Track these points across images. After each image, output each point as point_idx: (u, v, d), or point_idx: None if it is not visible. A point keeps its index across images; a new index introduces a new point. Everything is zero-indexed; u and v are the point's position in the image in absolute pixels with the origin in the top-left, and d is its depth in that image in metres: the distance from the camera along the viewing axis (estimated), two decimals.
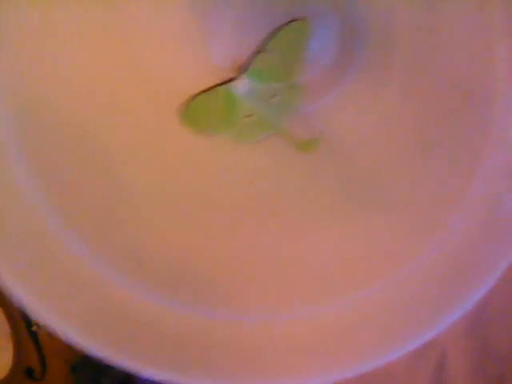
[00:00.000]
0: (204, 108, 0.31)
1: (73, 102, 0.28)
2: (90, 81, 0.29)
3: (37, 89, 0.27)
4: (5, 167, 0.25)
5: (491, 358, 0.40)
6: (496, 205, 0.25)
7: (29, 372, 0.35)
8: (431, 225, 0.27)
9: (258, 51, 0.31)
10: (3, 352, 0.36)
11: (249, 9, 0.31)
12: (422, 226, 0.27)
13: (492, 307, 0.40)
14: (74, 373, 0.33)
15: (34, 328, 0.34)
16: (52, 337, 0.34)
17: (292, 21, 0.30)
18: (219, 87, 0.31)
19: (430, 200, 0.28)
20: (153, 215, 0.29)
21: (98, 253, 0.27)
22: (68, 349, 0.34)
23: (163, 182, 0.30)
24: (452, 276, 0.26)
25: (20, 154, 0.26)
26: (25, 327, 0.35)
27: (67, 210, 0.27)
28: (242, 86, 0.31)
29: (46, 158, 0.27)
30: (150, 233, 0.28)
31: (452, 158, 0.28)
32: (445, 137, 0.28)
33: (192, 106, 0.31)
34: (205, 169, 0.31)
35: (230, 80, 0.31)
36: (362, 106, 0.31)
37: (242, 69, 0.31)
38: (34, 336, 0.35)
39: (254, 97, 0.32)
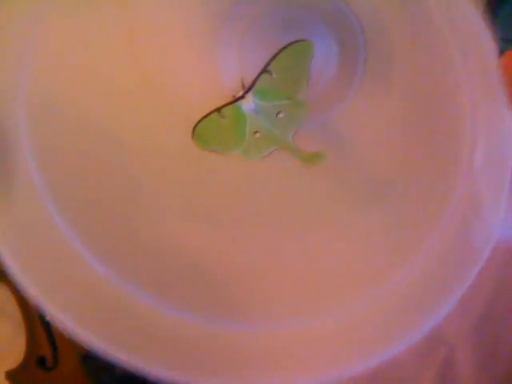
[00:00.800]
0: (213, 128, 0.33)
1: (86, 106, 0.29)
2: (106, 85, 0.30)
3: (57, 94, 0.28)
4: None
5: (500, 355, 0.40)
6: (464, 231, 0.27)
7: (41, 361, 0.36)
8: (409, 245, 0.28)
9: (263, 71, 0.32)
10: (17, 341, 0.37)
11: (253, 32, 0.33)
12: (403, 245, 0.29)
13: (501, 304, 0.40)
14: (85, 362, 0.34)
15: (47, 318, 0.35)
16: None
17: (294, 42, 0.32)
18: (227, 107, 0.32)
19: (412, 220, 0.29)
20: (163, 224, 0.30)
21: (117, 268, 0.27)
22: None
23: (173, 193, 0.32)
24: (420, 295, 0.27)
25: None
26: (38, 317, 0.36)
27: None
28: (248, 104, 0.33)
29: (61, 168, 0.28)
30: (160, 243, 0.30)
31: (431, 181, 0.28)
32: (426, 156, 0.29)
33: (202, 126, 0.33)
34: (214, 180, 0.33)
35: (238, 99, 0.32)
36: (364, 117, 0.32)
37: (249, 88, 0.32)
38: (47, 326, 0.36)
39: (261, 114, 0.33)
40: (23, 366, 0.36)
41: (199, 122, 0.33)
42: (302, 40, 0.32)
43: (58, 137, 0.27)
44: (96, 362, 0.34)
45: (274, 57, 0.32)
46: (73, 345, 0.35)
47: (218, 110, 0.33)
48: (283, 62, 0.32)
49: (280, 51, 0.32)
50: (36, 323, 0.36)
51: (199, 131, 0.33)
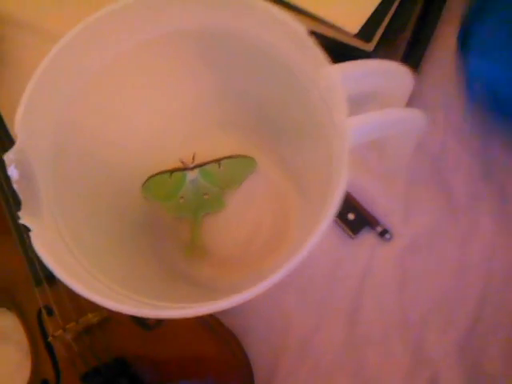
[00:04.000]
0: (159, 183, 0.42)
1: None
2: None
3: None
4: None
5: (484, 373, 0.40)
6: None
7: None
8: None
9: (217, 161, 0.42)
10: (23, 366, 0.40)
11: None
12: None
13: (483, 325, 0.41)
14: (84, 382, 0.36)
15: (49, 339, 0.38)
16: (66, 347, 0.38)
17: (247, 156, 0.43)
18: (176, 172, 0.42)
19: None
20: None
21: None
22: (80, 359, 0.38)
23: None
24: None
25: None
26: (41, 339, 0.39)
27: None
28: (192, 175, 0.42)
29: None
30: None
31: None
32: None
33: (151, 180, 0.42)
34: None
35: (188, 168, 0.42)
36: None
37: (200, 165, 0.43)
38: (50, 348, 0.38)
39: (194, 187, 0.43)
40: None
41: (155, 175, 0.42)
42: (252, 158, 0.43)
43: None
44: (94, 382, 0.36)
45: (230, 157, 0.43)
46: (73, 365, 0.37)
47: (171, 171, 0.42)
48: (233, 163, 0.43)
49: (235, 156, 0.43)
50: (41, 349, 0.39)
51: (150, 182, 0.42)
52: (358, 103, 0.27)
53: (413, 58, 0.48)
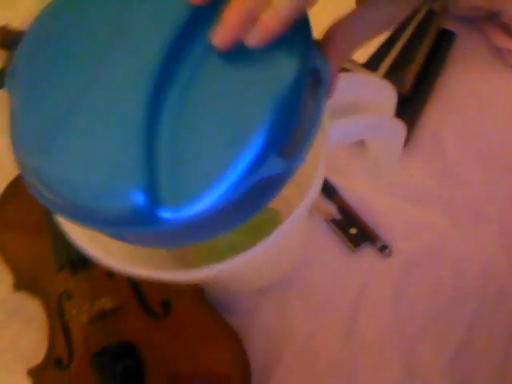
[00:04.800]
0: None
1: None
2: None
3: None
4: None
5: None
6: None
7: (58, 362, 0.42)
8: None
9: None
10: (40, 347, 0.43)
11: None
12: None
13: (475, 342, 0.42)
14: (92, 361, 0.40)
15: (66, 317, 0.42)
16: (81, 329, 0.42)
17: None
18: None
19: None
20: None
21: None
22: (92, 341, 0.41)
23: None
24: None
25: None
26: (60, 322, 0.42)
27: None
28: None
29: None
30: None
31: None
32: None
33: None
34: None
35: None
36: None
37: None
38: (66, 330, 0.42)
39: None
40: (42, 367, 0.42)
41: None
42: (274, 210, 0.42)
43: None
44: (102, 359, 0.39)
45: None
46: (87, 350, 0.41)
47: None
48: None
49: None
50: (58, 331, 0.43)
51: None
52: (348, 112, 0.31)
53: (421, 89, 0.52)
